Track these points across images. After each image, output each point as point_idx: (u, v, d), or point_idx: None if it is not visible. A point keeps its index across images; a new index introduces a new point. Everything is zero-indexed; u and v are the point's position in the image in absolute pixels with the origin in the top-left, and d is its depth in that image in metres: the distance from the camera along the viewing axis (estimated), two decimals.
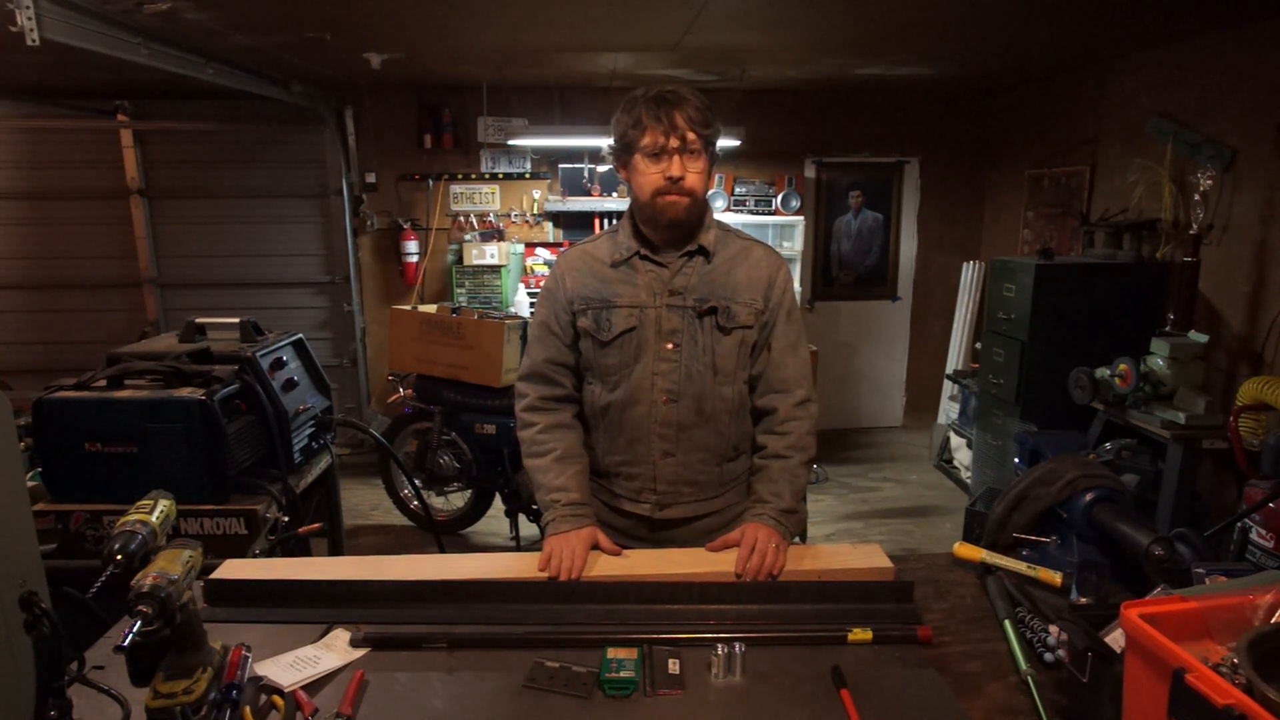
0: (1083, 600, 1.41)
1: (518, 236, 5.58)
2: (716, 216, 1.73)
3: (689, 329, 1.62)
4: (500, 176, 5.52)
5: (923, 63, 4.48)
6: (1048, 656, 1.27)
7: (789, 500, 1.60)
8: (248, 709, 1.10)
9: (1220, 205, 3.60)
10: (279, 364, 2.48)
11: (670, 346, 1.62)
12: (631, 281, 1.64)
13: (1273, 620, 0.96)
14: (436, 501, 4.30)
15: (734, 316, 1.63)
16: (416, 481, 3.93)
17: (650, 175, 1.56)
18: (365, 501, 4.76)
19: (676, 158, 1.54)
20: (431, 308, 4.26)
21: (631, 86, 1.64)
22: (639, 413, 1.64)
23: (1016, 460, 3.10)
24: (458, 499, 4.33)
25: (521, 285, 5.33)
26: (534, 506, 3.94)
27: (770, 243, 5.42)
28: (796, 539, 1.64)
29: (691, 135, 1.54)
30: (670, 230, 1.62)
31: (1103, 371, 3.54)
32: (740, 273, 1.65)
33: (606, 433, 1.69)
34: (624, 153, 1.60)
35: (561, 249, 5.42)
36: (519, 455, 4.52)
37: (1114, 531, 1.51)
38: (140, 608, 0.97)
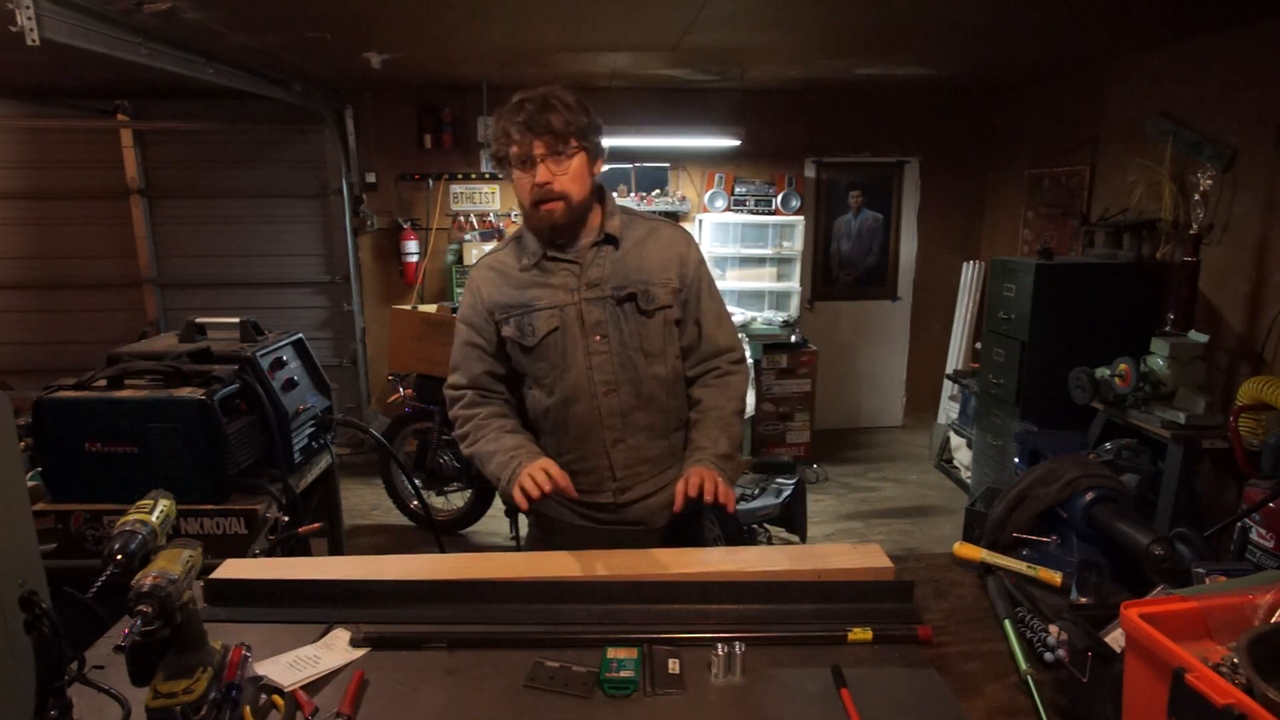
0: (1083, 600, 1.41)
1: None
2: (621, 203, 1.75)
3: (612, 318, 1.64)
4: (500, 176, 5.51)
5: (923, 63, 4.48)
6: (1048, 656, 1.27)
7: (725, 446, 1.64)
8: (248, 709, 1.10)
9: (1220, 205, 3.60)
10: (279, 364, 2.48)
11: (598, 339, 1.64)
12: (547, 283, 1.66)
13: (1273, 620, 0.96)
14: (436, 501, 4.31)
15: (654, 299, 1.65)
16: (416, 481, 3.93)
17: (523, 183, 1.59)
18: (365, 501, 4.76)
19: (542, 165, 1.55)
20: (431, 308, 4.26)
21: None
22: (582, 408, 1.66)
23: (1016, 460, 3.10)
24: (458, 499, 4.33)
25: None
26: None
27: (770, 243, 5.46)
28: (789, 537, 1.64)
29: (552, 139, 1.54)
30: (555, 234, 1.64)
31: (1103, 371, 3.54)
32: (652, 254, 1.68)
33: (554, 433, 1.71)
34: (500, 167, 1.63)
35: None
36: None
37: (1114, 531, 1.51)
38: (140, 608, 0.97)
